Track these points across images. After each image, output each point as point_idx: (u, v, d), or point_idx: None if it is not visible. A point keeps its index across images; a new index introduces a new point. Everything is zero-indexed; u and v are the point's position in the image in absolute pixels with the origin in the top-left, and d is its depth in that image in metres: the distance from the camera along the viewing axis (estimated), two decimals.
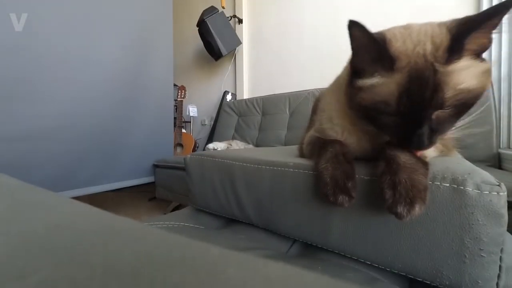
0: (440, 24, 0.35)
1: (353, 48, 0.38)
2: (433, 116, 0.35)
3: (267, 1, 2.14)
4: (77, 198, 0.75)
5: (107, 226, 0.18)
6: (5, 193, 0.24)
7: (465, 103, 0.34)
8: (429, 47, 0.34)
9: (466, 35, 0.32)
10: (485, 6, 1.31)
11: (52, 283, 0.10)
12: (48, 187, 0.65)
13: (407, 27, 0.38)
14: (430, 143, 0.36)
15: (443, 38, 0.33)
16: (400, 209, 0.33)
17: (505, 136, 1.27)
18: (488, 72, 0.34)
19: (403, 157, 0.37)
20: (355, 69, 0.40)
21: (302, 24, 1.97)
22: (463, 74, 0.33)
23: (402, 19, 0.44)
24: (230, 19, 2.23)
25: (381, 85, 0.36)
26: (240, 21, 2.24)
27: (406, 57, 0.34)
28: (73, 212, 0.21)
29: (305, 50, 1.96)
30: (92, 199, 1.80)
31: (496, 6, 0.31)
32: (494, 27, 0.32)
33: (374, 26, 0.36)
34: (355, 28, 0.34)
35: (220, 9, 2.14)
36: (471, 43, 0.33)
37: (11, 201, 0.22)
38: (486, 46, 0.33)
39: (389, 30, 0.39)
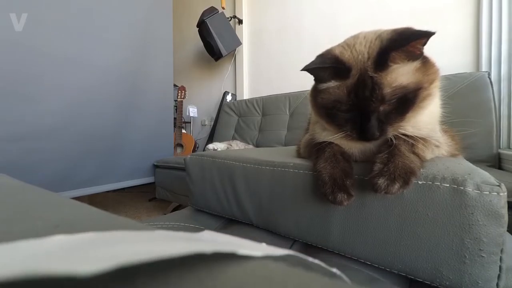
0: (380, 35, 0.41)
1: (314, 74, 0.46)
2: (381, 108, 0.40)
3: (267, 2, 2.14)
4: (77, 198, 0.75)
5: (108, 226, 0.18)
6: (5, 194, 0.24)
7: (405, 96, 0.39)
8: (365, 57, 0.40)
9: (390, 52, 0.38)
10: (485, 6, 1.31)
11: None
12: (48, 187, 0.65)
13: (355, 37, 0.44)
14: (382, 133, 0.40)
15: (374, 50, 0.40)
16: (380, 181, 0.36)
17: (505, 136, 1.27)
18: (421, 69, 0.39)
19: (405, 148, 0.40)
20: (316, 77, 0.46)
21: (302, 24, 1.97)
22: (394, 75, 0.38)
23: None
24: (230, 19, 2.23)
25: (335, 87, 0.43)
26: (240, 21, 2.24)
27: (356, 65, 0.41)
28: (73, 212, 0.21)
29: (305, 51, 1.96)
30: (92, 199, 1.81)
31: (419, 31, 0.37)
32: (422, 44, 0.38)
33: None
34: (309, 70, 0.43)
35: (220, 10, 2.14)
36: (398, 54, 0.38)
37: (11, 202, 0.22)
38: (416, 55, 0.39)
39: (338, 45, 0.45)
